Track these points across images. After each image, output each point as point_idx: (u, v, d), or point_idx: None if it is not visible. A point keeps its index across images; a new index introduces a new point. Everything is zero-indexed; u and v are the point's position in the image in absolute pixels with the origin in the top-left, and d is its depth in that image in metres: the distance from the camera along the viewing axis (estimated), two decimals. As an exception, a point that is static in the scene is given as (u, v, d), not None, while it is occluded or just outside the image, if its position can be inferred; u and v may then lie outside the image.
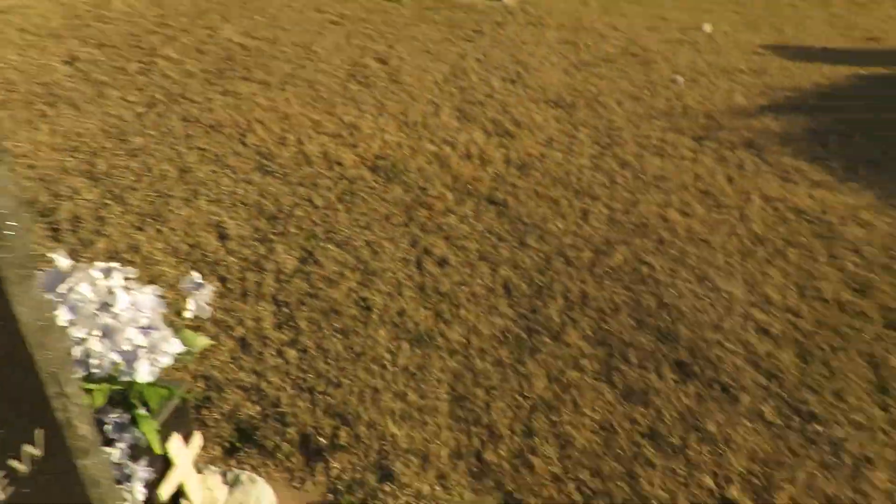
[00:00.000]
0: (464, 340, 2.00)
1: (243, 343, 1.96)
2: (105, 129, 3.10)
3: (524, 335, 2.02)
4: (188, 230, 2.43)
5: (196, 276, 1.37)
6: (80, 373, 1.16)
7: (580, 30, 4.95)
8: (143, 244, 2.34)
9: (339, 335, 2.00)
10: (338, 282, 2.21)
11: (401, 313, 2.09)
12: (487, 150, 3.10)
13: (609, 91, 3.84)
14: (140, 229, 2.42)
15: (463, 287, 2.21)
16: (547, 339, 2.01)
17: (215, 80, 3.71)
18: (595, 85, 3.93)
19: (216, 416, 1.73)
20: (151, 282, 1.98)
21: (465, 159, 3.02)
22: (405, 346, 1.97)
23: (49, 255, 1.21)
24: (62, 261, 1.21)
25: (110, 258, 2.27)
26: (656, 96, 3.80)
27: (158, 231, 2.42)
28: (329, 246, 2.39)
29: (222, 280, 2.19)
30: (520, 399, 1.81)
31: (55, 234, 2.37)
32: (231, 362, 1.88)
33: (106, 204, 2.55)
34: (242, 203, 2.61)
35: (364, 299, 2.15)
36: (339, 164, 2.94)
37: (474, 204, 2.68)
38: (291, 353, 1.92)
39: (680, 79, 4.03)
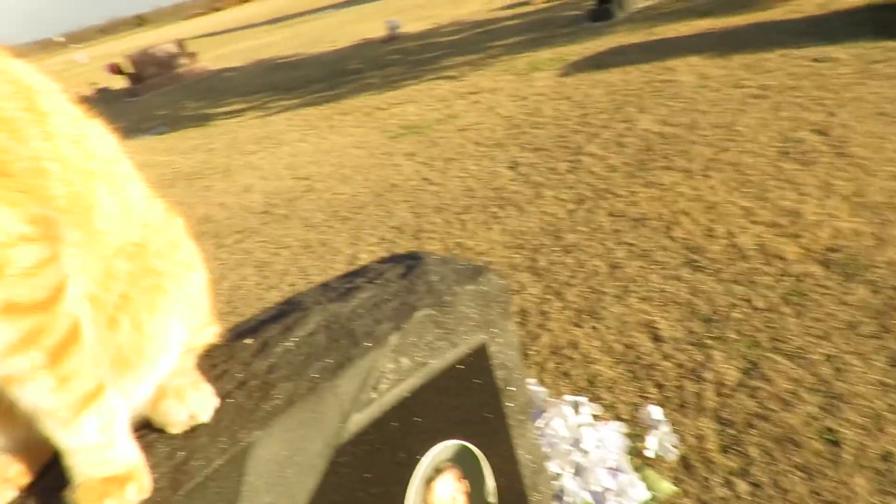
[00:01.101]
0: None
1: (685, 463, 1.85)
2: (543, 226, 3.48)
3: None
4: (621, 329, 2.49)
5: (655, 410, 1.35)
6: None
7: None
8: (580, 341, 2.49)
9: (799, 473, 1.72)
10: (793, 404, 1.93)
11: (885, 457, 1.69)
12: None
13: None
14: (577, 325, 2.59)
15: (981, 432, 1.67)
16: None
17: (637, 171, 3.83)
18: None
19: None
20: (605, 407, 2.06)
21: (959, 250, 2.37)
22: (897, 503, 1.57)
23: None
24: (538, 391, 1.33)
25: (552, 352, 2.48)
26: None
27: (594, 328, 2.55)
28: (777, 357, 2.12)
29: (659, 387, 2.15)
30: None
31: (507, 326, 2.72)
32: (675, 482, 1.79)
33: (547, 299, 2.82)
34: (673, 302, 2.56)
35: (830, 430, 1.81)
36: (780, 258, 2.64)
37: (984, 313, 2.05)
38: (742, 486, 1.73)
39: None
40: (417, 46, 10.64)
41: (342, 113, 7.32)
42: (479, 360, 0.91)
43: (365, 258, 3.61)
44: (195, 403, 0.81)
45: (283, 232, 4.31)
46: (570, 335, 2.54)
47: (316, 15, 24.65)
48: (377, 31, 13.31)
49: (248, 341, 0.95)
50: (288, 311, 0.99)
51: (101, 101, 14.63)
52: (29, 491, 0.74)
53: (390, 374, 0.83)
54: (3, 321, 0.60)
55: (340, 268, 3.59)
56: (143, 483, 0.71)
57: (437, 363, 0.88)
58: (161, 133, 8.97)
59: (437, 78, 7.81)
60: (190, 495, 0.67)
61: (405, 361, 0.84)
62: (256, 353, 0.90)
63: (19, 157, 0.63)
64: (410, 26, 12.97)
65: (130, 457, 0.71)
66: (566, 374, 2.33)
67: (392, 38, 12.04)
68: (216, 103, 10.28)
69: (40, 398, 0.65)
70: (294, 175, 5.52)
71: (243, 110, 9.09)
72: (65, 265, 0.66)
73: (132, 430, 0.74)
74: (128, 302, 0.75)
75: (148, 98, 13.03)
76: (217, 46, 21.59)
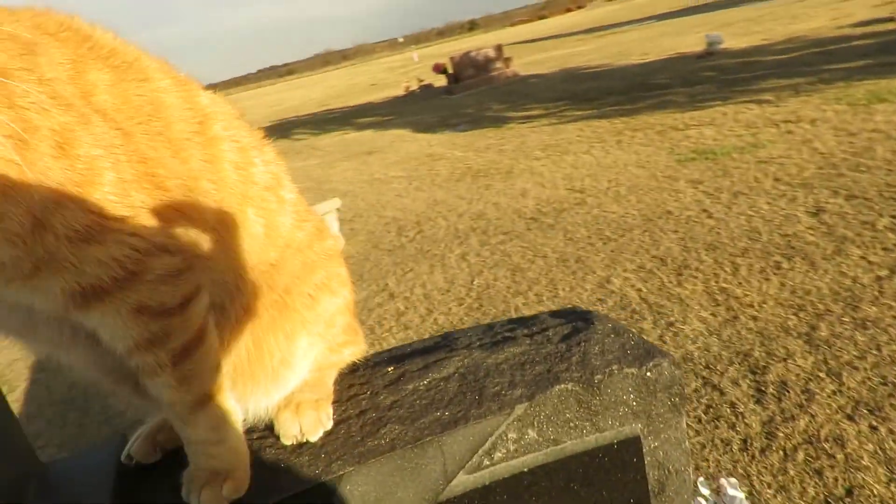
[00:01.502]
0: None
1: None
2: (836, 290, 2.92)
3: None
4: (913, 441, 1.97)
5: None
6: None
7: None
8: (850, 439, 2.03)
9: None
10: None
11: None
12: None
13: None
14: (851, 419, 2.12)
15: None
16: None
17: None
18: None
19: None
20: None
21: None
22: None
23: (721, 481, 1.13)
24: (735, 496, 1.12)
25: (806, 442, 2.07)
26: None
27: (873, 428, 2.06)
28: None
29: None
30: None
31: (759, 396, 2.36)
32: None
33: (818, 377, 2.36)
34: None
35: None
36: None
37: None
38: None
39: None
40: (735, 64, 9.75)
41: (633, 129, 7.10)
42: (628, 453, 0.80)
43: (616, 284, 3.47)
44: (307, 422, 0.84)
45: (544, 241, 4.38)
46: (838, 428, 2.09)
47: (633, 26, 24.27)
48: (694, 45, 12.56)
49: (390, 370, 0.97)
50: (439, 346, 0.99)
51: (423, 96, 16.60)
52: (168, 457, 0.85)
53: (511, 443, 0.78)
54: (134, 321, 0.67)
55: (589, 288, 3.51)
56: (240, 485, 0.76)
57: (572, 444, 0.80)
58: (463, 130, 9.82)
59: (749, 101, 7.05)
60: None
61: (531, 434, 0.78)
62: (389, 385, 0.92)
63: (177, 175, 0.71)
64: (733, 42, 11.93)
65: (235, 458, 0.77)
66: (818, 473, 1.93)
67: (708, 54, 11.23)
68: (516, 107, 10.85)
69: (162, 392, 0.72)
70: (569, 186, 5.56)
71: (539, 116, 9.43)
72: (199, 278, 0.72)
73: (249, 432, 0.80)
74: (251, 316, 0.81)
75: (460, 97, 14.36)
76: (531, 53, 22.73)
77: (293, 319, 0.84)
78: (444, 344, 1.00)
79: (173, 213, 0.69)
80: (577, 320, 0.97)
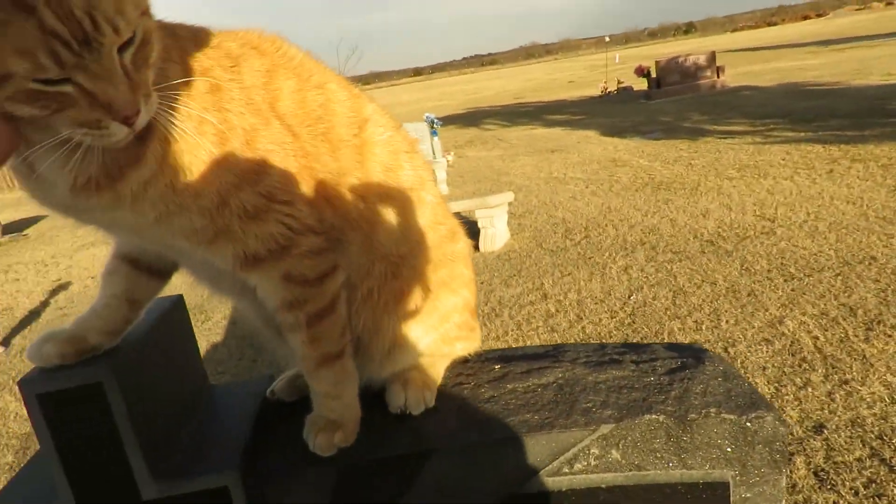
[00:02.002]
0: None
1: None
2: None
3: None
4: None
5: None
6: None
7: None
8: None
9: None
10: None
11: None
12: None
13: None
14: None
15: None
16: None
17: None
18: None
19: None
20: None
21: None
22: None
23: None
24: None
25: None
26: None
27: None
28: None
29: None
30: None
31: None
32: None
33: None
34: None
35: None
36: None
37: None
38: None
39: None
40: None
41: (853, 158, 6.29)
42: (714, 497, 0.77)
43: (790, 327, 3.16)
44: (413, 398, 0.95)
45: (716, 267, 4.10)
46: None
47: (882, 41, 21.18)
48: (953, 68, 10.69)
49: (497, 367, 1.03)
50: (547, 355, 1.02)
51: (619, 98, 16.10)
52: (303, 400, 0.98)
53: (592, 458, 0.79)
54: (282, 285, 0.82)
55: (756, 325, 3.24)
56: (349, 436, 0.89)
57: (655, 474, 0.79)
58: (655, 138, 9.40)
59: None
60: (367, 468, 0.82)
61: (614, 454, 0.79)
62: (491, 381, 0.98)
63: (329, 170, 0.84)
64: None
65: (348, 413, 0.90)
66: None
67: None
68: (717, 120, 10.11)
69: (297, 346, 0.86)
70: (759, 213, 5.11)
71: (741, 133, 8.72)
72: (337, 259, 0.85)
73: (363, 396, 0.92)
74: (374, 298, 0.92)
75: (659, 103, 13.70)
76: (749, 62, 20.90)
77: (411, 309, 0.95)
78: (552, 354, 1.04)
79: (322, 201, 0.83)
80: (688, 357, 0.95)
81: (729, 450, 0.81)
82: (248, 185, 0.76)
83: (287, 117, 0.81)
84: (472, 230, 5.54)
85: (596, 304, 3.85)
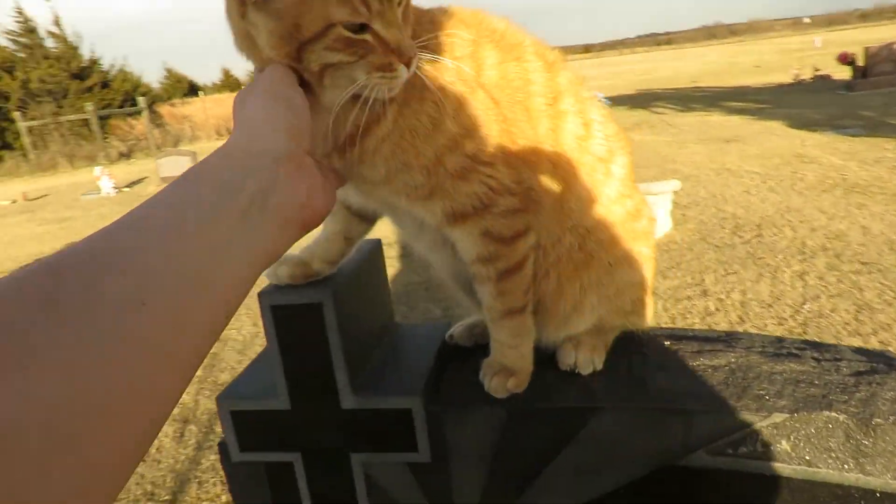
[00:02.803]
0: None
1: None
2: None
3: None
4: None
5: None
6: None
7: None
8: None
9: None
10: None
11: None
12: None
13: None
14: None
15: None
16: None
17: None
18: None
19: None
20: None
21: None
22: None
23: None
24: None
25: None
26: None
27: None
28: None
29: None
30: None
31: None
32: None
33: None
34: None
35: None
36: None
37: None
38: None
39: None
40: None
41: None
42: None
43: None
44: (582, 358, 1.01)
45: (914, 284, 3.64)
46: None
47: None
48: None
49: (667, 343, 1.03)
50: (720, 339, 1.00)
51: (813, 88, 14.48)
52: (479, 348, 1.07)
53: (759, 444, 0.79)
54: (480, 240, 0.89)
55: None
56: (521, 383, 0.98)
57: (826, 473, 0.76)
58: (853, 135, 8.38)
59: None
60: (534, 414, 0.89)
61: (784, 445, 0.77)
62: (660, 355, 0.99)
63: (525, 136, 0.90)
64: None
65: (522, 363, 0.98)
66: None
67: None
68: (938, 119, 8.76)
69: (485, 297, 0.95)
70: (978, 229, 4.41)
71: (967, 135, 7.49)
72: (530, 221, 0.91)
73: (545, 350, 0.99)
74: (559, 264, 0.98)
75: (861, 95, 12.12)
76: None
77: (591, 279, 1.00)
78: (725, 339, 1.04)
79: (521, 164, 0.90)
80: (880, 362, 0.90)
81: (923, 465, 0.77)
82: (456, 147, 0.86)
83: (489, 86, 0.89)
84: (632, 216, 5.39)
85: (762, 307, 3.61)
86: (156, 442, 2.91)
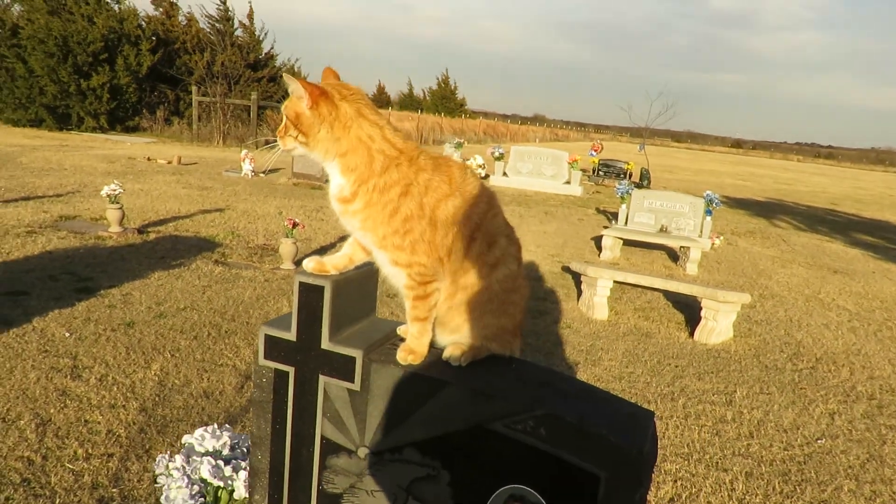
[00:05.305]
0: None
1: None
2: None
3: None
4: None
5: None
6: None
7: None
8: None
9: None
10: None
11: None
12: None
13: None
14: None
15: None
16: None
17: None
18: None
19: None
20: None
21: None
22: None
23: None
24: None
25: None
26: None
27: None
28: None
29: None
30: None
31: None
32: None
33: None
34: None
35: None
36: None
37: None
38: None
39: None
40: None
41: None
42: None
43: None
44: (454, 355, 1.48)
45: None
46: None
47: None
48: None
49: (513, 365, 1.46)
50: (548, 380, 1.38)
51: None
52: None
53: (529, 425, 1.17)
54: (408, 280, 1.43)
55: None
56: (417, 359, 1.47)
57: (558, 449, 1.12)
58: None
59: None
60: (414, 375, 1.35)
61: (542, 431, 1.14)
62: (498, 366, 1.43)
63: (444, 245, 1.43)
64: None
65: (421, 348, 1.48)
66: None
67: None
68: None
69: (406, 307, 1.48)
70: None
71: None
72: (438, 284, 1.44)
73: (432, 346, 1.50)
74: (452, 303, 1.47)
75: None
76: None
77: (471, 316, 1.49)
78: (548, 380, 1.44)
79: (435, 252, 1.43)
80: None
81: None
82: (401, 236, 1.40)
83: (428, 210, 1.42)
84: (694, 316, 5.52)
85: (777, 430, 3.70)
86: (218, 386, 3.54)
